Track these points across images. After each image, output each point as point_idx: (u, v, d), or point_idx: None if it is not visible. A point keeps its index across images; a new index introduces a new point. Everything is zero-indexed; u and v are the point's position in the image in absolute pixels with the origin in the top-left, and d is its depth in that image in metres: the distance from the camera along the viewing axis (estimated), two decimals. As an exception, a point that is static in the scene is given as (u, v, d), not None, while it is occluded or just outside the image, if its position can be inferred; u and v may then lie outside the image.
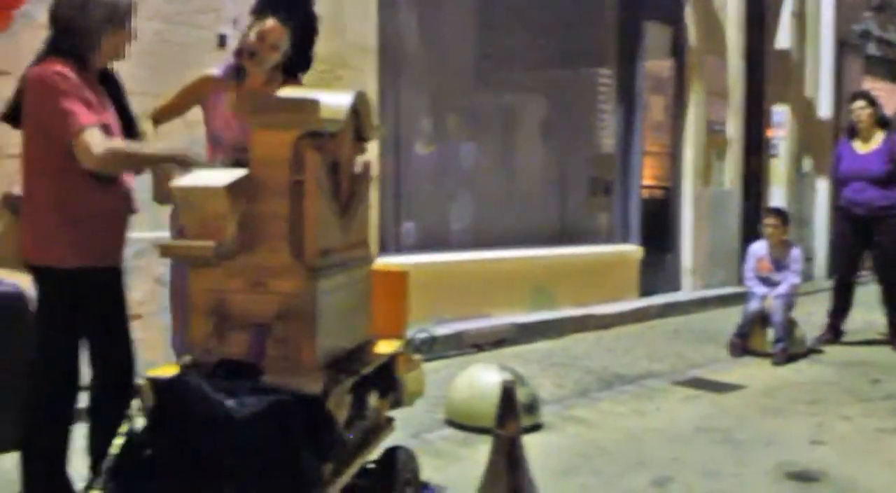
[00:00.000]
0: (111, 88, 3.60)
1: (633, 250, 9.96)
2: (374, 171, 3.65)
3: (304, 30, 4.32)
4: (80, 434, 3.63)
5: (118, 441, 2.97)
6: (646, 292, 9.96)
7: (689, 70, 10.67)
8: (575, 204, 9.78)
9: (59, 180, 3.39)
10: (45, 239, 3.42)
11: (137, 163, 3.55)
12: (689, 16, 10.60)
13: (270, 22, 4.21)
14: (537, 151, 9.56)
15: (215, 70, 4.31)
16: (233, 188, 2.91)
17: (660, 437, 5.13)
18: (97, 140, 3.29)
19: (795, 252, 7.66)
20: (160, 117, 4.22)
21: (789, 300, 7.49)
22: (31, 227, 3.46)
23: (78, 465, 3.62)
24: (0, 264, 3.65)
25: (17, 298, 4.36)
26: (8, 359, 4.29)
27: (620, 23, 10.03)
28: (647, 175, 10.43)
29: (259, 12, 4.24)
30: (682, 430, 5.29)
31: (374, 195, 3.74)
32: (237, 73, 4.29)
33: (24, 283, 3.74)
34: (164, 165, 3.57)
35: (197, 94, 4.27)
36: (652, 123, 10.53)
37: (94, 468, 3.58)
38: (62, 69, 3.34)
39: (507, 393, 3.67)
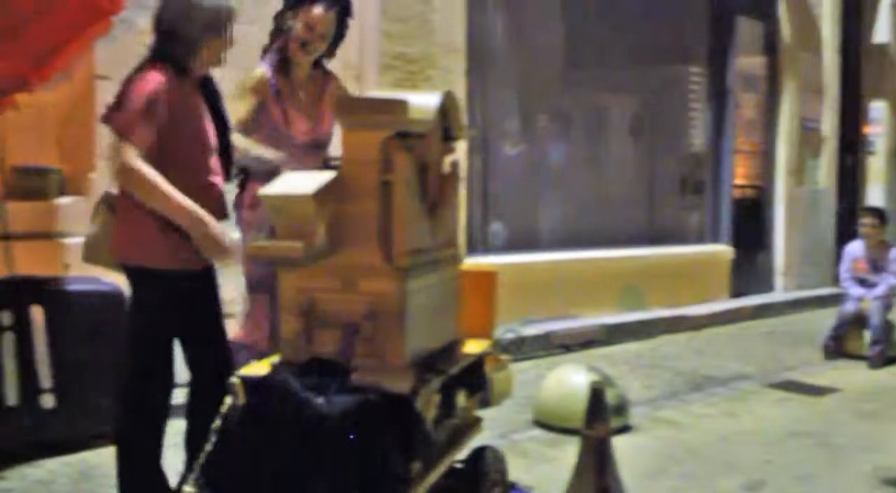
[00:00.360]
0: (209, 94, 3.66)
1: (724, 250, 9.82)
2: (462, 171, 3.65)
3: (342, 17, 4.29)
4: (176, 430, 3.71)
5: (211, 438, 3.02)
6: (737, 293, 9.81)
7: (782, 66, 10.48)
8: (665, 203, 9.67)
9: None
10: (141, 241, 3.48)
11: (156, 199, 3.36)
12: (783, 11, 10.41)
13: (318, 10, 4.17)
14: (627, 151, 9.47)
15: (263, 67, 4.25)
16: (320, 194, 2.93)
17: (751, 440, 5.05)
18: (131, 162, 3.29)
19: (894, 253, 7.48)
20: (247, 129, 4.16)
21: (887, 302, 7.32)
22: (126, 228, 3.53)
23: (173, 460, 3.70)
24: (95, 262, 3.74)
25: (115, 297, 4.49)
26: (105, 356, 4.42)
27: (712, 19, 9.89)
28: (739, 174, 10.28)
29: (300, 1, 4.18)
30: (775, 433, 5.20)
31: (462, 195, 3.74)
32: (283, 66, 4.25)
33: (121, 282, 3.83)
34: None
35: (261, 94, 4.22)
36: (743, 121, 10.37)
37: (189, 463, 3.65)
38: (157, 78, 3.40)
39: (596, 394, 3.64)
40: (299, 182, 3.02)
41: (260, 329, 4.21)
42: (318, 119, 4.31)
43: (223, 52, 3.60)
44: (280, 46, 4.27)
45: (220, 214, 3.64)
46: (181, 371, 3.71)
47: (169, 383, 3.64)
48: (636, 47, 9.23)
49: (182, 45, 3.47)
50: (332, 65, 4.46)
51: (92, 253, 3.70)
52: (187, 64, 3.49)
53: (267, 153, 4.04)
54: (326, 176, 3.03)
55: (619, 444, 3.97)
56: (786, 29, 10.42)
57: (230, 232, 3.53)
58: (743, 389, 6.31)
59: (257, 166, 4.07)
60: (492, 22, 7.90)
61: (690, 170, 9.88)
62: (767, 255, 10.56)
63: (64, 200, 5.20)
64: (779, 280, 10.57)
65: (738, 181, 10.25)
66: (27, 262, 4.76)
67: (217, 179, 3.62)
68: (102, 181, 4.69)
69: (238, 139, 3.94)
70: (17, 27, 4.63)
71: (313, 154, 4.23)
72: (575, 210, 8.72)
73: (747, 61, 10.30)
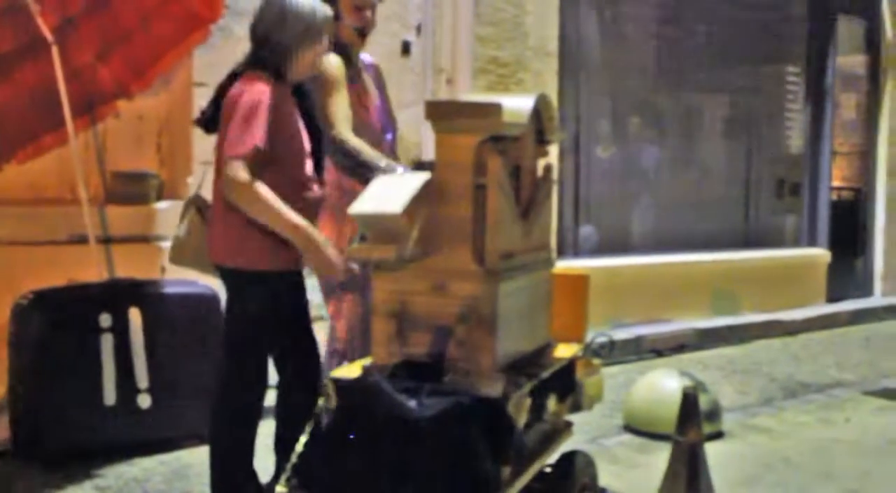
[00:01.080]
0: (303, 101, 3.71)
1: (821, 253, 9.61)
2: (555, 174, 3.64)
3: None
4: (268, 432, 3.76)
5: (303, 439, 3.05)
6: (834, 297, 9.59)
7: (884, 65, 10.21)
8: (760, 206, 9.51)
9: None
10: (237, 242, 3.54)
11: (263, 215, 3.42)
12: (886, 8, 10.14)
13: None
14: (721, 153, 9.35)
15: (335, 61, 4.01)
16: (409, 208, 2.93)
17: (849, 449, 4.94)
18: (242, 178, 3.34)
19: None
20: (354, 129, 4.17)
21: None
22: (222, 230, 3.58)
23: (265, 461, 3.75)
24: (181, 263, 3.81)
25: (211, 299, 4.57)
26: (201, 357, 4.50)
27: (810, 18, 9.69)
28: (837, 176, 10.05)
29: None
30: (874, 442, 5.07)
31: (553, 198, 3.73)
32: (343, 53, 4.07)
33: (215, 285, 3.90)
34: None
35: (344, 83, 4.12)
36: (842, 122, 10.14)
37: (279, 464, 3.70)
38: (263, 88, 3.44)
39: (689, 399, 3.60)
40: (389, 194, 3.01)
41: (350, 331, 4.23)
42: (383, 104, 4.28)
43: (318, 60, 3.64)
44: (334, 42, 4.05)
45: (315, 216, 3.68)
46: (272, 373, 3.77)
47: (263, 385, 3.69)
48: (732, 47, 9.09)
49: (277, 52, 3.52)
50: (425, 67, 4.45)
51: (178, 255, 3.79)
52: (282, 71, 3.54)
53: (376, 158, 4.02)
54: (416, 184, 3.02)
55: (712, 451, 3.91)
56: (888, 27, 10.16)
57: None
58: (840, 396, 6.16)
59: (361, 170, 4.04)
60: (584, 24, 7.86)
61: (787, 172, 9.70)
62: (866, 259, 10.30)
63: (162, 205, 5.32)
64: (878, 285, 10.30)
65: (837, 183, 10.02)
66: (126, 265, 4.88)
67: (313, 184, 3.66)
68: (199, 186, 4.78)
69: (351, 138, 3.92)
70: (122, 37, 4.76)
71: (385, 141, 4.21)
72: (668, 213, 8.63)
73: (847, 60, 10.06)
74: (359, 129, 4.02)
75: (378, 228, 2.97)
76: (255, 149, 3.36)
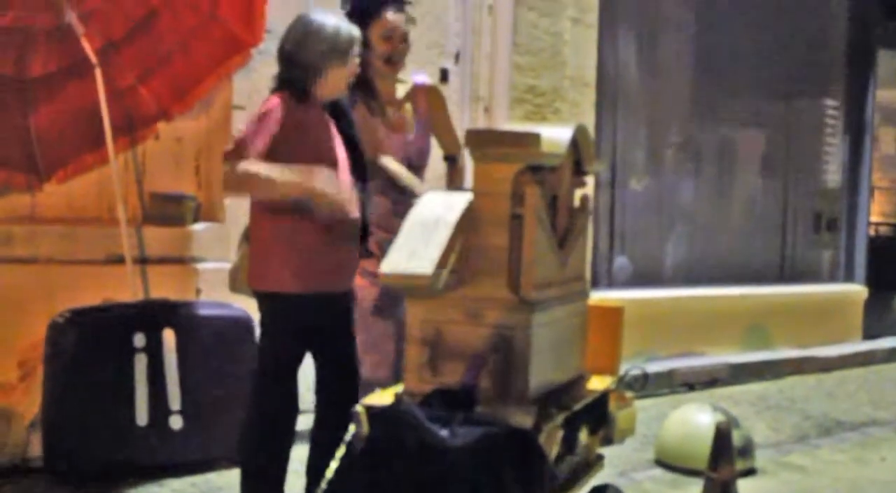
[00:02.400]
0: (340, 121, 3.73)
1: (857, 290, 9.51)
2: (591, 204, 3.64)
3: (409, 16, 4.20)
4: (300, 456, 3.75)
5: (333, 465, 3.05)
6: (871, 334, 9.48)
7: (923, 101, 10.16)
8: (797, 241, 9.43)
9: (279, 211, 3.53)
10: (268, 266, 3.56)
11: (261, 186, 3.43)
12: (926, 44, 10.09)
13: (390, 15, 4.10)
14: (758, 186, 9.28)
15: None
16: (439, 269, 2.93)
17: (884, 489, 4.87)
18: (229, 165, 3.37)
19: None
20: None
21: None
22: (255, 254, 3.62)
23: (295, 485, 3.74)
24: (237, 291, 3.84)
25: (245, 322, 4.59)
26: (233, 380, 4.51)
27: (849, 51, 9.63)
28: (875, 211, 9.97)
29: (366, 15, 4.06)
30: (909, 483, 5.01)
31: (589, 229, 3.72)
32: (364, 87, 4.12)
33: (252, 308, 3.91)
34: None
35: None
36: (881, 157, 10.08)
37: (309, 489, 3.69)
38: (273, 102, 3.49)
39: (722, 435, 3.57)
40: (418, 246, 2.98)
41: (384, 357, 4.23)
42: (410, 137, 4.28)
43: (346, 79, 3.65)
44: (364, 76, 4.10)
45: (354, 238, 3.67)
46: (306, 397, 3.76)
47: (293, 409, 3.69)
48: (770, 80, 9.05)
49: (302, 71, 3.56)
50: (463, 96, 4.47)
51: (234, 282, 3.82)
52: (309, 90, 3.56)
53: (413, 183, 4.03)
54: (448, 228, 2.99)
55: (744, 487, 3.88)
56: (928, 63, 10.11)
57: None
58: (875, 435, 6.08)
59: (396, 193, 4.06)
60: (622, 55, 7.86)
61: (824, 206, 9.62)
62: (904, 296, 10.21)
63: (198, 227, 5.35)
64: (915, 322, 10.20)
65: (875, 218, 9.94)
66: (161, 286, 4.90)
67: (349, 202, 3.66)
68: (236, 209, 4.80)
69: (390, 162, 3.95)
70: (163, 60, 4.81)
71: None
72: (703, 246, 8.57)
73: (886, 94, 10.00)
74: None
75: (411, 290, 2.98)
76: (252, 149, 3.38)
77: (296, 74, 3.56)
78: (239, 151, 3.39)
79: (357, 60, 3.67)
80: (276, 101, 3.50)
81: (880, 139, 10.09)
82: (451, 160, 4.47)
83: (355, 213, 3.66)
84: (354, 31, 3.65)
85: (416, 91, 4.33)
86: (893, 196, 10.26)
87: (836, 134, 9.70)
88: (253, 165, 3.37)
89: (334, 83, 3.62)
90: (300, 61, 3.56)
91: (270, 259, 3.54)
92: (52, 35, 4.59)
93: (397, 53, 4.17)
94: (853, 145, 9.66)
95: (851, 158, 9.66)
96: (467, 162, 3.88)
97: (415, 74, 4.40)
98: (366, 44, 3.95)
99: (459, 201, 3.07)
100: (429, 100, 4.35)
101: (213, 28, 4.71)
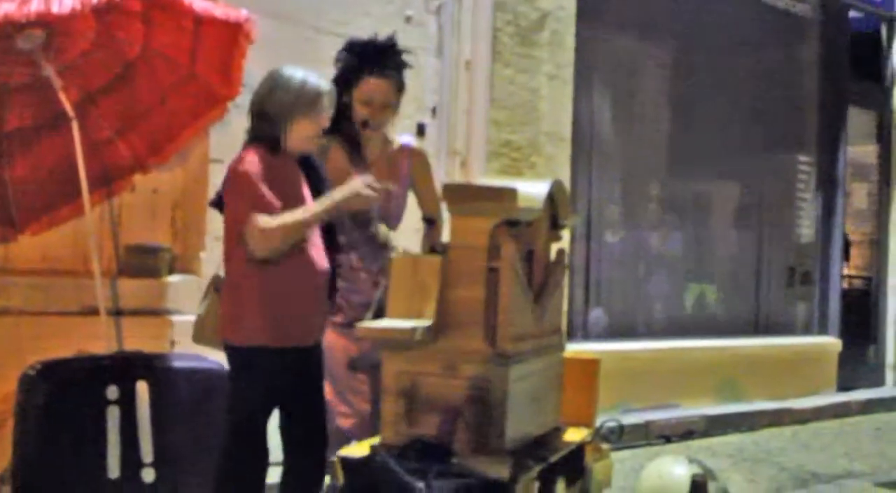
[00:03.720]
0: (311, 176, 3.75)
1: (831, 342, 9.57)
2: (567, 258, 3.66)
3: (399, 83, 4.20)
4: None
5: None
6: (845, 386, 9.52)
7: (894, 155, 10.27)
8: (771, 293, 9.49)
9: (249, 264, 3.53)
10: (236, 318, 3.58)
11: (299, 229, 3.54)
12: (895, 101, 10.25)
13: (372, 80, 4.09)
14: (732, 239, 9.36)
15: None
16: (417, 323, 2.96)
17: (860, 543, 4.87)
18: (255, 225, 3.42)
19: None
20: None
21: None
22: (230, 306, 3.63)
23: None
24: (202, 342, 3.85)
25: (219, 375, 4.55)
26: (206, 432, 4.47)
27: (822, 108, 9.78)
28: (850, 264, 10.05)
29: (348, 77, 4.09)
30: (886, 536, 5.01)
31: (565, 282, 3.74)
32: (352, 144, 4.17)
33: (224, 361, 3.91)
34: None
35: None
36: (853, 211, 10.17)
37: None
38: (251, 158, 3.51)
39: (698, 487, 3.58)
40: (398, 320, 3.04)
41: (356, 410, 4.21)
42: (392, 189, 4.31)
43: (314, 133, 3.67)
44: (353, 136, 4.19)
45: (322, 289, 3.68)
46: (275, 450, 3.74)
47: (263, 461, 3.67)
48: (744, 135, 9.16)
49: (269, 123, 3.58)
50: (439, 149, 4.50)
51: (198, 332, 3.83)
52: (278, 142, 3.58)
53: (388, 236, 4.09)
54: (426, 309, 3.04)
55: (722, 541, 3.86)
56: (898, 119, 10.25)
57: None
58: (851, 487, 6.09)
59: (365, 249, 4.10)
60: (598, 109, 7.94)
61: (798, 259, 9.70)
62: (878, 348, 10.25)
63: (174, 279, 5.33)
64: (889, 374, 10.24)
65: (848, 272, 10.02)
66: (135, 337, 4.86)
67: (318, 255, 3.67)
68: (211, 261, 4.79)
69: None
70: (140, 114, 4.83)
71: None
72: (677, 298, 8.62)
73: (858, 150, 10.14)
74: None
75: (414, 273, 3.01)
76: (262, 207, 3.43)
77: (264, 127, 3.59)
78: (248, 212, 3.45)
79: (326, 115, 3.68)
80: (252, 156, 3.52)
81: (853, 194, 10.19)
82: (430, 222, 4.50)
83: (325, 265, 3.68)
84: (323, 85, 3.65)
85: (402, 151, 4.37)
86: (865, 249, 10.33)
87: (809, 188, 9.82)
88: (277, 220, 3.46)
89: (301, 136, 3.63)
90: (267, 113, 3.59)
91: (246, 312, 3.54)
92: (28, 89, 4.59)
93: (375, 120, 4.17)
94: (826, 199, 9.77)
95: (824, 211, 9.77)
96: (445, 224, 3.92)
97: (402, 136, 4.46)
98: (349, 105, 4.05)
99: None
100: (413, 162, 4.39)
101: (190, 82, 4.72)
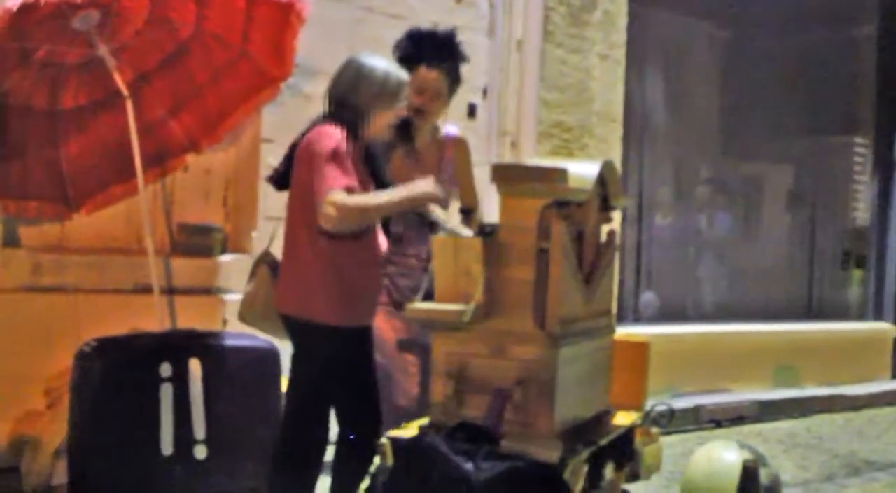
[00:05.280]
0: (372, 163, 3.77)
1: (887, 328, 9.43)
2: (618, 240, 3.64)
3: (453, 75, 4.26)
4: (322, 487, 3.74)
5: (359, 497, 3.05)
6: (902, 373, 9.40)
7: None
8: (825, 278, 9.38)
9: (322, 241, 3.54)
10: (307, 296, 3.58)
11: (375, 213, 3.59)
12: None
13: (424, 70, 4.16)
14: (786, 223, 9.26)
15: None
16: (466, 303, 2.95)
17: (914, 531, 4.81)
18: (332, 199, 3.39)
19: None
20: None
21: None
22: (294, 283, 3.63)
23: (320, 517, 3.73)
24: (248, 321, 3.88)
25: (270, 354, 4.60)
26: (258, 410, 4.51)
27: (878, 88, 9.61)
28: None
29: (405, 65, 4.05)
30: (940, 525, 4.94)
31: (616, 264, 3.72)
32: (405, 133, 4.22)
33: (275, 341, 3.93)
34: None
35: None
36: (911, 195, 10.00)
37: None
38: (336, 136, 3.51)
39: (749, 473, 3.56)
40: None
41: (409, 391, 4.23)
42: (442, 177, 4.32)
43: (390, 122, 3.71)
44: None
45: (378, 268, 3.69)
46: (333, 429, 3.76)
47: (324, 438, 3.70)
48: (798, 116, 9.05)
49: (351, 113, 3.60)
50: (490, 130, 4.49)
51: (247, 311, 3.87)
52: (356, 131, 3.60)
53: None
54: (478, 279, 3.02)
55: (773, 527, 3.83)
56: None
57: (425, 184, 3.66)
58: (905, 475, 6.02)
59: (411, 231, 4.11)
60: (650, 91, 7.87)
61: (853, 244, 9.57)
62: (934, 335, 10.10)
63: (225, 258, 5.37)
64: (946, 362, 10.08)
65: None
66: (188, 316, 4.92)
67: (381, 239, 3.69)
68: (263, 240, 4.82)
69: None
70: (193, 93, 4.86)
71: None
72: (730, 282, 8.55)
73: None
74: None
75: (456, 258, 3.01)
76: (341, 180, 3.42)
77: (346, 116, 3.61)
78: (328, 185, 3.43)
79: (403, 104, 3.72)
80: (337, 134, 3.53)
81: (910, 177, 10.01)
82: (466, 213, 4.51)
83: (384, 249, 3.70)
84: (403, 75, 3.71)
85: (446, 141, 4.39)
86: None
87: (865, 172, 9.67)
88: (361, 200, 3.48)
89: (379, 125, 3.69)
90: (350, 104, 3.62)
91: (317, 290, 3.55)
92: (83, 68, 4.64)
93: (426, 108, 4.23)
94: (882, 183, 9.61)
95: (880, 196, 9.61)
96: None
97: (447, 125, 4.47)
98: None
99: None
100: (455, 151, 4.41)
101: (242, 62, 4.75)
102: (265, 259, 3.84)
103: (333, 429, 3.79)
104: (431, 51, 4.20)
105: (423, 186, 3.61)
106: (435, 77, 4.20)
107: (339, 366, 3.63)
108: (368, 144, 3.74)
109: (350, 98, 3.62)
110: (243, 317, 3.93)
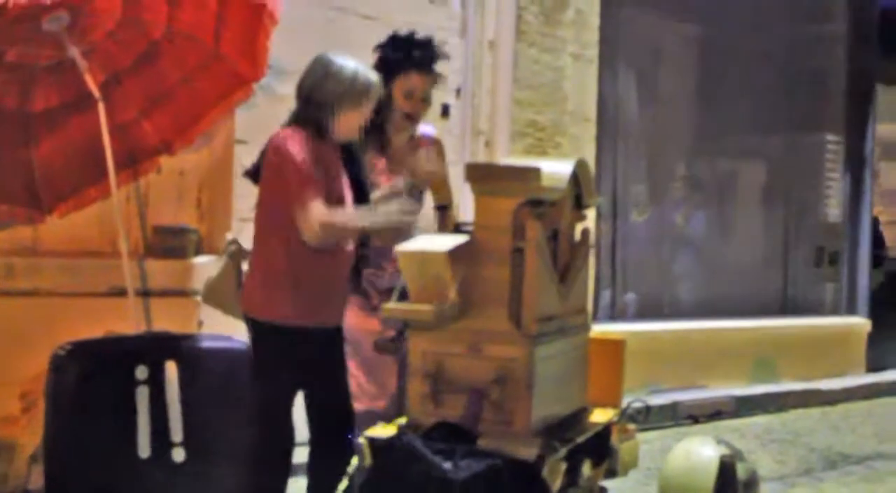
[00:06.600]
0: (350, 164, 3.77)
1: (860, 322, 9.50)
2: (592, 238, 3.65)
3: (436, 78, 4.32)
4: (299, 487, 3.74)
5: (337, 498, 3.05)
6: (874, 367, 9.45)
7: (924, 135, 10.19)
8: (799, 274, 9.43)
9: (286, 243, 3.55)
10: (269, 296, 3.60)
11: (353, 233, 3.66)
12: (925, 79, 10.15)
13: (415, 76, 4.21)
14: (759, 219, 9.30)
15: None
16: (454, 254, 2.96)
17: (889, 523, 4.85)
18: (314, 215, 3.43)
19: None
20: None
21: None
22: (258, 283, 3.65)
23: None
24: (212, 303, 3.98)
25: (245, 354, 4.57)
26: (234, 412, 4.50)
27: (849, 86, 9.68)
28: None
29: (391, 70, 4.16)
30: (915, 517, 4.98)
31: (590, 262, 3.74)
32: (381, 141, 4.28)
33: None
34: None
35: None
36: (882, 191, 10.08)
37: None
38: (298, 139, 3.51)
39: (726, 468, 3.57)
40: (434, 242, 3.06)
41: (385, 391, 4.23)
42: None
43: (359, 123, 3.70)
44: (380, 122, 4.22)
45: (345, 269, 3.70)
46: (301, 429, 3.76)
47: (289, 440, 3.70)
48: (771, 113, 9.09)
49: (317, 110, 3.60)
50: (464, 130, 4.51)
51: (210, 294, 3.90)
52: (323, 129, 3.60)
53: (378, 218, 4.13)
54: (460, 239, 3.06)
55: (750, 521, 3.85)
56: (927, 97, 10.15)
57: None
58: (880, 469, 6.06)
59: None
60: (623, 89, 7.89)
61: (825, 240, 9.63)
62: (907, 329, 10.18)
63: (200, 259, 5.35)
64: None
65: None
66: (163, 318, 4.90)
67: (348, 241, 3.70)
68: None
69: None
70: (165, 95, 4.84)
71: None
72: (704, 279, 8.57)
73: (886, 129, 10.03)
74: None
75: (422, 271, 2.99)
76: (315, 189, 3.46)
77: (312, 113, 3.62)
78: (304, 194, 3.47)
79: (370, 107, 3.71)
80: (298, 137, 3.53)
81: (881, 173, 10.09)
82: (442, 209, 4.54)
83: (352, 250, 3.71)
84: (372, 76, 3.71)
85: (421, 141, 4.41)
86: (894, 230, 10.24)
87: (837, 168, 9.72)
88: (336, 217, 3.53)
89: (347, 125, 3.68)
90: (316, 100, 3.62)
91: (280, 290, 3.56)
92: (54, 70, 4.61)
93: (417, 111, 4.28)
94: (854, 179, 9.67)
95: (852, 191, 9.67)
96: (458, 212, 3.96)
97: (422, 126, 4.48)
98: (388, 95, 4.08)
99: (459, 236, 3.09)
100: (430, 150, 4.45)
101: (215, 63, 4.73)
102: (231, 245, 3.96)
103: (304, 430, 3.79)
104: (418, 55, 4.24)
105: (396, 218, 3.62)
106: (423, 80, 4.24)
107: (303, 367, 3.63)
108: (348, 144, 3.74)
109: (316, 94, 3.62)
110: (205, 298, 4.04)
